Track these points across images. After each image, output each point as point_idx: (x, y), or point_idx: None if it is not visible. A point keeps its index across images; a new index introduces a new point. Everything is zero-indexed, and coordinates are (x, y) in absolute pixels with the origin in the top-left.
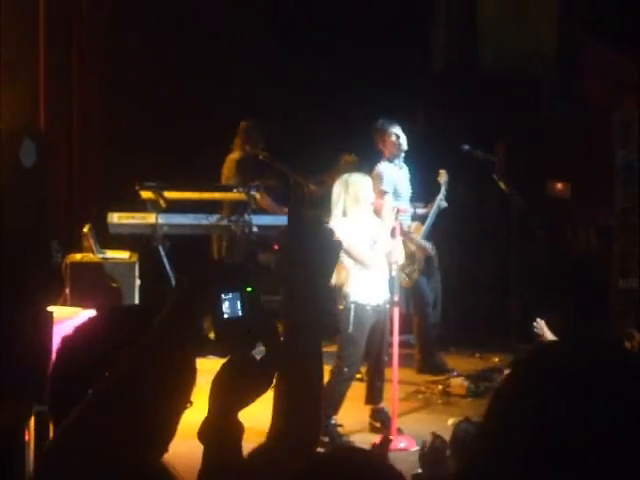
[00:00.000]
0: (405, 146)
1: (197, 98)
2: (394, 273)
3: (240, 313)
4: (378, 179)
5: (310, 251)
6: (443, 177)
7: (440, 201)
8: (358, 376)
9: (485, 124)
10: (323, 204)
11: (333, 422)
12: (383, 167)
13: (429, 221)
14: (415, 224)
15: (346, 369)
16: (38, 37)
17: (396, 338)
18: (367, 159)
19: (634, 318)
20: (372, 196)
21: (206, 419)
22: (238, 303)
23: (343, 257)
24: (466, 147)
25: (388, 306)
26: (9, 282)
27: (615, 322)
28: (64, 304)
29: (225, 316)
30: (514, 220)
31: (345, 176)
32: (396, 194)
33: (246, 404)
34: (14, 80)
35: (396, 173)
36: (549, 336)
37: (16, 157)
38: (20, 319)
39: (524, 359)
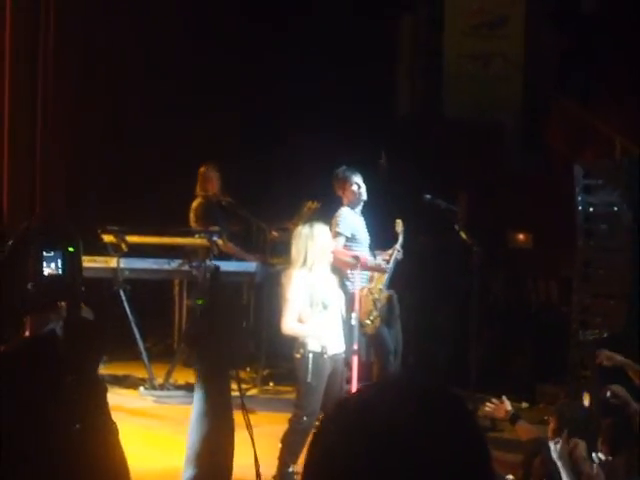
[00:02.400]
0: (365, 196)
1: (161, 141)
2: (354, 322)
3: (60, 271)
4: (336, 222)
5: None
6: (399, 227)
7: (397, 252)
8: (317, 424)
9: (447, 173)
10: (285, 251)
11: (291, 470)
12: (344, 211)
13: (390, 271)
14: (380, 258)
15: (305, 418)
16: (3, 78)
17: (355, 386)
18: (330, 206)
19: (593, 370)
20: (332, 244)
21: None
22: (59, 261)
23: (302, 306)
24: (428, 196)
25: (344, 354)
26: None
27: (572, 374)
28: None
29: (45, 272)
30: (475, 270)
31: (308, 227)
32: (354, 240)
33: (96, 361)
34: None
35: (355, 219)
36: (507, 407)
37: None
38: None
39: (330, 409)
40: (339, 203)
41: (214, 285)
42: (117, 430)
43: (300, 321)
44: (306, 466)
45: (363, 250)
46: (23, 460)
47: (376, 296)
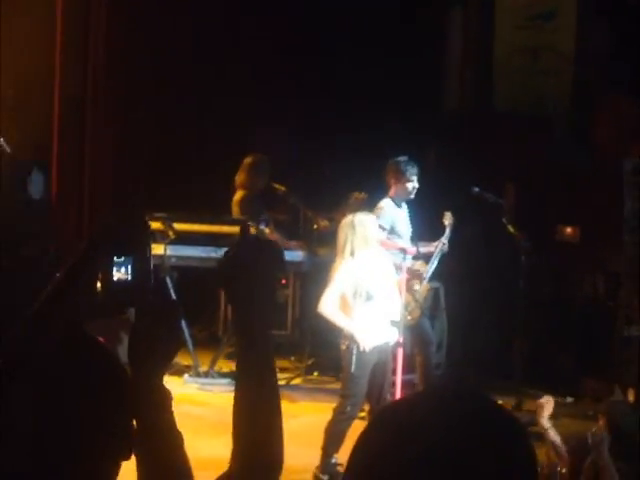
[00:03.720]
0: (413, 194)
1: (212, 131)
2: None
3: (130, 277)
4: (377, 214)
5: (250, 263)
6: (448, 219)
7: (443, 245)
8: (361, 414)
9: (496, 167)
10: (332, 241)
11: (334, 461)
12: (385, 204)
13: (432, 263)
14: (419, 263)
15: (349, 408)
16: (54, 67)
17: (399, 378)
18: (378, 197)
19: (637, 366)
20: (379, 234)
21: (132, 388)
22: (129, 267)
23: (347, 296)
24: (476, 189)
25: (390, 345)
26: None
27: (617, 370)
28: None
29: (114, 278)
30: (522, 263)
31: (350, 217)
32: (394, 232)
33: (164, 366)
34: (28, 110)
35: (397, 212)
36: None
37: (24, 188)
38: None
39: (380, 411)
40: (383, 192)
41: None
42: (182, 440)
43: (345, 312)
44: (348, 469)
45: (403, 242)
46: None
47: (416, 287)
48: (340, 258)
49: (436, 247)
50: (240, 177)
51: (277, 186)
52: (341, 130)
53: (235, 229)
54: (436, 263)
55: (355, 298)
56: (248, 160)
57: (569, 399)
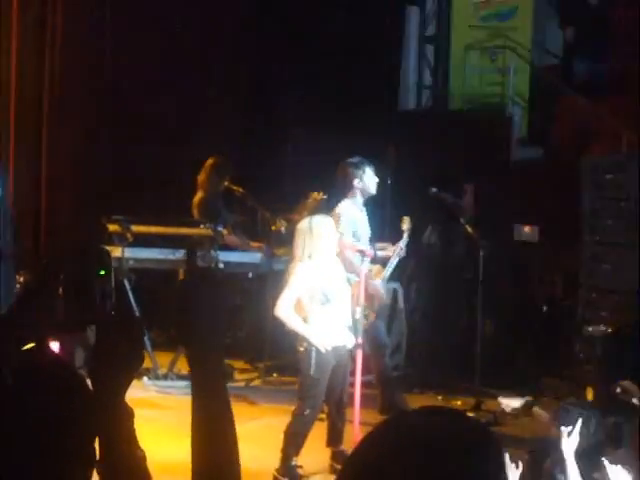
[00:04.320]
0: (373, 190)
1: (166, 132)
2: (358, 315)
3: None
4: (337, 220)
5: (200, 304)
6: (406, 224)
7: (401, 250)
8: (321, 416)
9: (453, 167)
10: (289, 242)
11: (294, 463)
12: (344, 208)
13: (389, 267)
14: (376, 267)
15: (308, 411)
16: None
17: (358, 379)
18: (336, 197)
19: (597, 365)
20: (335, 236)
21: (94, 405)
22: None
23: (303, 299)
24: (434, 190)
25: (348, 347)
26: None
27: (578, 369)
28: None
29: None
30: (481, 263)
31: (307, 219)
32: (355, 236)
33: (127, 382)
34: None
35: (356, 214)
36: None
37: None
38: None
39: (376, 427)
40: (337, 193)
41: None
42: (144, 457)
43: (301, 314)
44: None
45: (362, 246)
46: None
47: (370, 292)
48: (297, 260)
49: (394, 251)
50: (201, 178)
51: (235, 187)
52: (298, 132)
53: (193, 230)
54: (393, 267)
55: (311, 301)
56: (209, 161)
57: (529, 398)
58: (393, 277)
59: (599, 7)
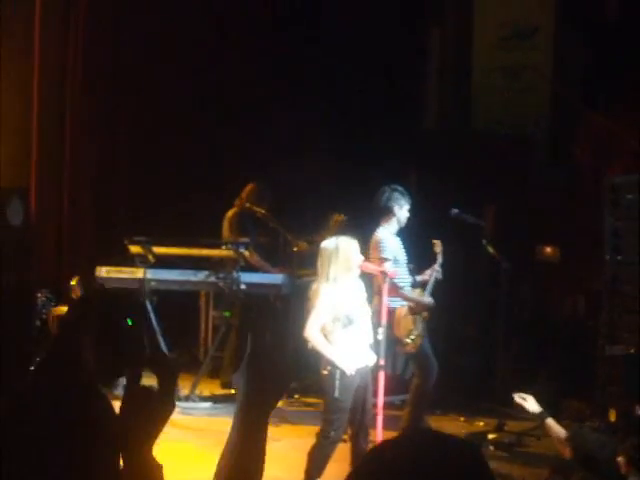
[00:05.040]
0: (404, 222)
1: (189, 155)
2: (380, 336)
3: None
4: (378, 246)
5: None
6: (438, 247)
7: (436, 272)
8: (344, 437)
9: (475, 187)
10: (311, 263)
11: None
12: (383, 235)
13: (428, 290)
14: (417, 291)
15: (332, 433)
16: (32, 92)
17: (381, 400)
18: (357, 219)
19: (619, 386)
20: (359, 259)
21: (125, 465)
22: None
23: (325, 322)
24: (455, 211)
25: (369, 368)
26: None
27: (600, 389)
28: None
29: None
30: (502, 283)
31: (333, 240)
32: (396, 262)
33: (155, 436)
34: (6, 136)
35: (394, 241)
36: (531, 408)
37: (3, 216)
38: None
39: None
40: (374, 221)
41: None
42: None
43: (324, 336)
44: None
45: (405, 272)
46: None
47: (422, 314)
48: (321, 281)
49: (430, 275)
50: (241, 198)
51: (257, 208)
52: (321, 153)
53: (215, 252)
54: (431, 290)
55: (334, 324)
56: (249, 187)
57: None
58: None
59: (618, 25)
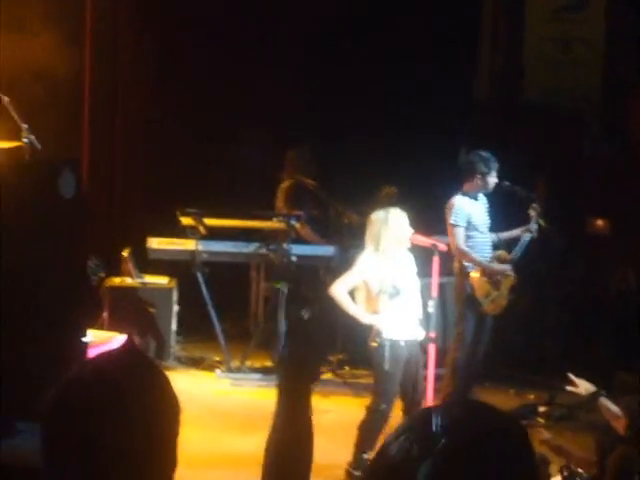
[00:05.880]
0: (490, 187)
1: (238, 127)
2: (431, 309)
3: None
4: (450, 211)
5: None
6: (534, 211)
7: (529, 232)
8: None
9: (527, 159)
10: (362, 235)
11: (366, 457)
12: (457, 201)
13: (519, 250)
14: (501, 252)
15: (384, 405)
16: (84, 66)
17: (431, 373)
18: (409, 190)
19: None
20: (410, 231)
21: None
22: None
23: (373, 290)
24: (506, 183)
25: (419, 341)
26: (46, 315)
27: None
28: (101, 328)
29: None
30: (553, 256)
31: (383, 212)
32: (471, 227)
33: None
34: (58, 107)
35: (471, 207)
36: (584, 392)
37: (56, 189)
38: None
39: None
40: (441, 183)
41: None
42: None
43: (372, 306)
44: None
45: (481, 236)
46: None
47: (498, 277)
48: (368, 252)
49: (522, 232)
50: (289, 169)
51: (308, 181)
52: (374, 123)
53: (266, 223)
54: (520, 251)
55: (381, 294)
56: (289, 153)
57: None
58: (516, 262)
59: None
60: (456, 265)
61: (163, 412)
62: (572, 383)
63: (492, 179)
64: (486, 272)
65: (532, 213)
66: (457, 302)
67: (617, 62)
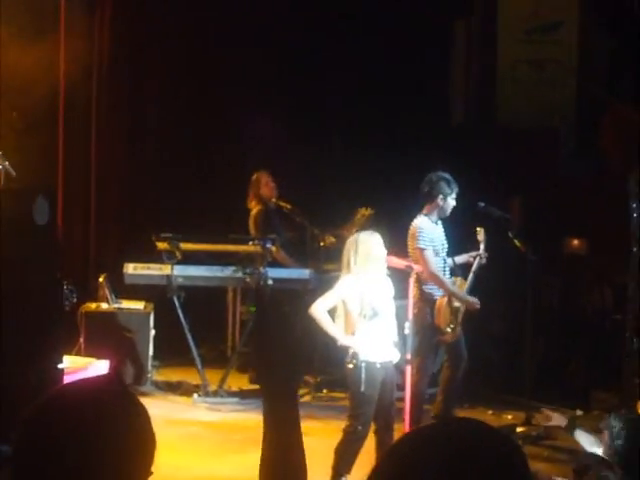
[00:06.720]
0: (448, 212)
1: (212, 151)
2: (407, 331)
3: None
4: (415, 236)
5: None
6: (481, 235)
7: (481, 259)
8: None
9: (501, 180)
10: (339, 257)
11: None
12: (422, 223)
13: (471, 280)
14: (459, 279)
15: (360, 427)
16: (58, 94)
17: (408, 394)
18: (384, 212)
19: None
20: (383, 252)
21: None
22: None
23: (353, 313)
24: (482, 204)
25: (394, 362)
26: (21, 341)
27: (627, 382)
28: (78, 354)
29: None
30: (529, 276)
31: (355, 235)
32: (434, 251)
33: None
34: (33, 134)
35: (433, 229)
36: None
37: (30, 215)
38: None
39: (397, 444)
40: (415, 206)
41: (266, 298)
42: None
43: (350, 329)
44: None
45: (444, 261)
46: None
47: (456, 305)
48: (344, 275)
49: (474, 260)
50: (253, 192)
51: (283, 203)
52: (348, 149)
53: (242, 247)
54: (473, 278)
55: (360, 315)
56: (253, 177)
57: (579, 412)
58: (470, 291)
59: None
60: (415, 291)
61: (135, 448)
62: (548, 418)
63: (452, 201)
64: (450, 300)
65: (480, 238)
66: (417, 330)
67: (590, 81)
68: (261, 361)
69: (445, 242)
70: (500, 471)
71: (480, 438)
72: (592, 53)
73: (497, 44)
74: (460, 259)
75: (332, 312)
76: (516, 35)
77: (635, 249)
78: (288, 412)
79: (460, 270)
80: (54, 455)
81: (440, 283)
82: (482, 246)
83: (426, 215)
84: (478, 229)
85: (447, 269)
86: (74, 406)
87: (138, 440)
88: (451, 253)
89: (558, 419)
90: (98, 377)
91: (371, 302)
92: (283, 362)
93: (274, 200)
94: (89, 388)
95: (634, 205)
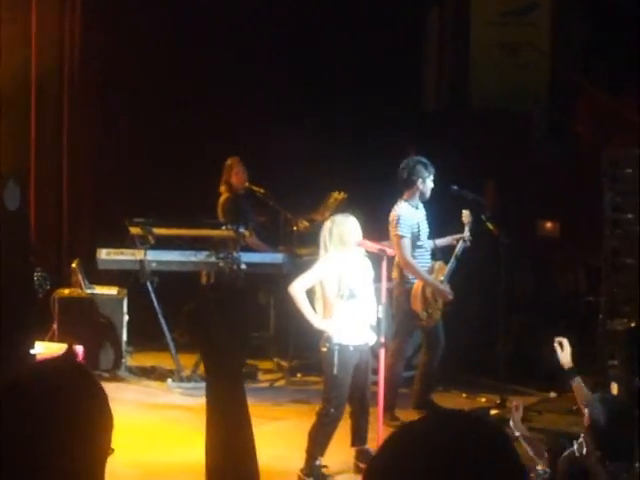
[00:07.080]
0: (428, 195)
1: (187, 134)
2: (381, 314)
3: None
4: (394, 222)
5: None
6: (466, 217)
7: (464, 242)
8: (345, 415)
9: (475, 164)
10: (312, 242)
11: (318, 463)
12: (402, 210)
13: (452, 262)
14: (438, 263)
15: (332, 410)
16: (29, 77)
17: (381, 378)
18: (359, 197)
19: (620, 359)
20: (358, 236)
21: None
22: None
23: (330, 295)
24: (455, 187)
25: (370, 346)
26: None
27: (602, 364)
28: (52, 339)
29: None
30: (502, 259)
31: (330, 219)
32: (414, 236)
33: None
34: (3, 118)
35: (413, 215)
36: (563, 359)
37: (0, 201)
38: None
39: (392, 436)
40: (390, 190)
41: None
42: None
43: (328, 311)
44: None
45: (424, 245)
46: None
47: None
48: (320, 258)
49: (457, 243)
50: (223, 179)
51: (256, 188)
52: (322, 132)
53: (215, 232)
54: (455, 261)
55: (337, 296)
56: (227, 162)
57: (552, 394)
58: (450, 277)
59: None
60: (396, 276)
61: (93, 426)
62: (561, 346)
63: (431, 183)
64: (424, 286)
65: (465, 220)
66: (395, 314)
67: (564, 65)
68: (203, 337)
69: (427, 226)
70: (491, 463)
71: (470, 430)
72: (566, 36)
73: (470, 28)
74: (443, 242)
75: (312, 295)
76: (490, 18)
77: (607, 231)
78: (233, 390)
79: (441, 253)
80: (12, 437)
81: (414, 271)
82: (467, 229)
83: (406, 200)
84: (464, 211)
85: (429, 253)
86: (31, 387)
87: (96, 419)
88: (432, 236)
89: (567, 358)
90: (55, 358)
91: (349, 283)
92: (227, 339)
93: (246, 185)
94: (46, 369)
95: (606, 187)
